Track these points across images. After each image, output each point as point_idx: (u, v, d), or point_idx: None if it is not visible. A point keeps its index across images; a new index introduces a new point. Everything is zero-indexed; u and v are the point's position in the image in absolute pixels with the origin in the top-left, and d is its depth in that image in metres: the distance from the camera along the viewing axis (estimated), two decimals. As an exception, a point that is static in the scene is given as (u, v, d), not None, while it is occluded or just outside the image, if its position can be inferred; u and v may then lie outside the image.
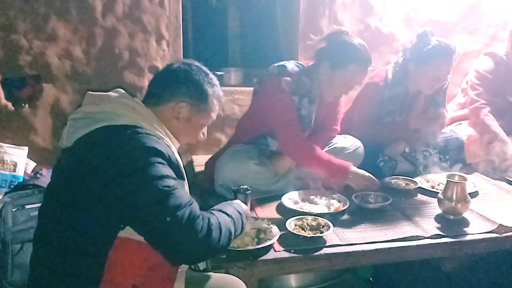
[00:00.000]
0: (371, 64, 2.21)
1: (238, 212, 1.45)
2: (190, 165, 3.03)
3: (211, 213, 1.33)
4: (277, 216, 2.01)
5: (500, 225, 1.90)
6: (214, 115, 1.56)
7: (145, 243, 1.24)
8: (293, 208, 2.04)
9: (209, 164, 2.42)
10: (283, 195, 2.16)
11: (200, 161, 2.86)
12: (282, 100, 2.22)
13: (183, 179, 1.36)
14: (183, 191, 1.27)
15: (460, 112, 2.99)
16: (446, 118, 2.80)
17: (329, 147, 2.41)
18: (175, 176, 1.28)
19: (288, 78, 2.19)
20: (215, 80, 1.53)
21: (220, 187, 2.20)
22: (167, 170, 1.24)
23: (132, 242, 1.24)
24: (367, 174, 2.20)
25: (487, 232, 1.88)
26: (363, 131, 2.51)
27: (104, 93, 1.39)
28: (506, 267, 2.53)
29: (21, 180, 2.58)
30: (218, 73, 3.23)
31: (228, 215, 1.38)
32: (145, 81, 2.92)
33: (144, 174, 1.19)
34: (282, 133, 2.25)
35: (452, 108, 3.04)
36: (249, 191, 1.92)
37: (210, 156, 2.54)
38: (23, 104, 2.77)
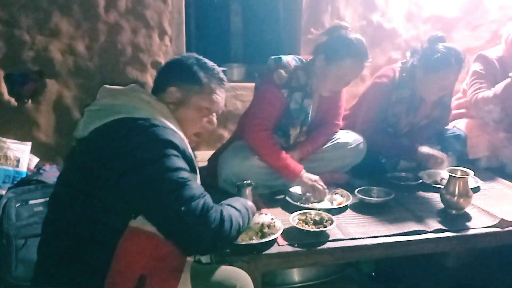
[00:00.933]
0: (367, 60, 2.18)
1: (245, 207, 1.49)
2: (192, 160, 3.04)
3: (221, 205, 1.36)
4: (281, 211, 2.03)
5: (502, 219, 1.91)
6: (217, 98, 1.54)
7: (154, 233, 1.26)
8: (296, 203, 2.06)
9: (212, 160, 2.43)
10: (286, 190, 2.18)
11: (203, 156, 2.86)
12: (267, 91, 2.24)
13: (196, 172, 1.38)
14: (196, 183, 1.30)
15: (458, 111, 2.97)
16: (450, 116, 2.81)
17: (331, 142, 2.42)
18: (189, 169, 1.30)
19: (282, 71, 2.20)
20: (210, 65, 1.53)
21: (224, 182, 2.21)
22: (181, 163, 1.27)
23: (142, 232, 1.25)
24: (312, 183, 2.14)
25: (489, 227, 1.90)
26: (367, 134, 2.48)
27: (121, 87, 1.43)
28: (508, 262, 2.55)
29: (24, 175, 2.58)
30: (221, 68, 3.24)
31: (236, 209, 1.41)
32: (148, 77, 2.93)
33: (160, 165, 1.22)
34: (249, 120, 2.27)
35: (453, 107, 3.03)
36: (253, 186, 1.94)
37: (213, 152, 2.56)
38: (26, 100, 2.78)
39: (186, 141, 1.40)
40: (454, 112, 2.97)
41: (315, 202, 2.11)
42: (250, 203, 1.58)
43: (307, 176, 2.16)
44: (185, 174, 1.25)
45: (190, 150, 1.38)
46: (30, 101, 2.78)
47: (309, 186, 2.14)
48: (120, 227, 1.24)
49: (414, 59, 2.46)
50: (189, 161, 1.33)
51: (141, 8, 2.83)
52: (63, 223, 1.31)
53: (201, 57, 1.54)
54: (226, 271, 1.54)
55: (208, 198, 1.28)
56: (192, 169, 1.34)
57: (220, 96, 1.55)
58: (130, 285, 1.26)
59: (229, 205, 1.42)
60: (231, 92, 3.11)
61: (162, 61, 2.93)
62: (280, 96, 2.22)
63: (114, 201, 1.24)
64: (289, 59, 2.25)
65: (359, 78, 2.99)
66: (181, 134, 1.40)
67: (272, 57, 2.27)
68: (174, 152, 1.26)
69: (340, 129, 2.52)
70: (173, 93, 1.45)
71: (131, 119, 1.29)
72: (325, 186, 2.15)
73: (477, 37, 3.45)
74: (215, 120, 1.59)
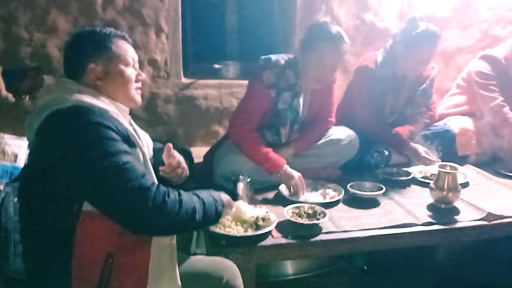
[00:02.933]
0: (343, 42, 2.20)
1: (213, 198, 1.46)
2: (188, 156, 3.08)
3: (177, 191, 1.34)
4: (275, 204, 2.07)
5: (489, 213, 1.97)
6: (129, 53, 1.51)
7: None
8: (289, 197, 2.11)
9: (208, 156, 2.48)
10: (280, 185, 2.22)
11: (198, 153, 2.89)
12: (254, 88, 2.30)
13: (135, 146, 1.38)
14: (136, 163, 1.29)
15: (458, 109, 2.99)
16: (435, 111, 2.86)
17: (325, 138, 2.46)
18: (126, 149, 1.30)
19: (270, 71, 2.25)
20: (106, 28, 1.51)
21: (220, 178, 2.25)
22: (116, 145, 1.27)
23: (96, 214, 1.27)
24: (296, 175, 2.16)
25: (477, 220, 1.95)
26: (370, 128, 2.57)
27: (53, 84, 1.44)
28: (495, 254, 2.62)
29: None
30: (217, 66, 3.28)
31: (198, 197, 1.40)
32: (145, 74, 2.95)
33: (94, 152, 1.23)
34: (233, 115, 2.34)
35: (449, 106, 3.06)
36: (248, 181, 1.99)
37: (208, 148, 2.60)
38: (23, 96, 2.80)
39: (120, 116, 1.40)
40: (450, 111, 3.02)
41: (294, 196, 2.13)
42: (224, 197, 1.54)
43: (290, 171, 2.18)
44: (121, 158, 1.25)
45: (125, 125, 1.38)
46: (27, 97, 2.80)
47: (290, 181, 2.16)
48: (72, 214, 1.26)
49: (395, 37, 2.59)
50: (125, 137, 1.34)
51: (138, 5, 2.86)
52: (26, 224, 1.38)
53: (91, 28, 1.50)
54: (214, 263, 1.57)
55: (147, 178, 1.27)
56: (130, 144, 1.35)
57: (132, 52, 1.53)
58: (99, 265, 1.28)
59: (193, 193, 1.41)
60: (226, 90, 3.15)
61: (159, 58, 2.97)
62: (267, 95, 2.26)
63: (59, 191, 1.26)
64: (279, 59, 2.29)
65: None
66: (114, 109, 1.40)
67: (262, 56, 2.31)
68: (107, 134, 1.26)
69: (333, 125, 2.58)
70: (95, 69, 1.42)
71: (60, 110, 1.29)
72: (304, 185, 2.17)
73: (468, 37, 3.50)
74: (141, 72, 1.56)
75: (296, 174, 2.17)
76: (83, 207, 1.27)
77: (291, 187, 2.16)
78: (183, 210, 1.29)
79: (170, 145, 1.57)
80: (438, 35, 2.49)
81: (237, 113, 2.32)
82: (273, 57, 2.29)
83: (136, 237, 1.32)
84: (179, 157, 1.62)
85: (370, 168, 2.51)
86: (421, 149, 2.51)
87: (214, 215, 1.44)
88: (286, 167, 2.20)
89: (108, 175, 1.22)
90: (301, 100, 2.34)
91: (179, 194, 1.32)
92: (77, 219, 1.27)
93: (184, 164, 1.65)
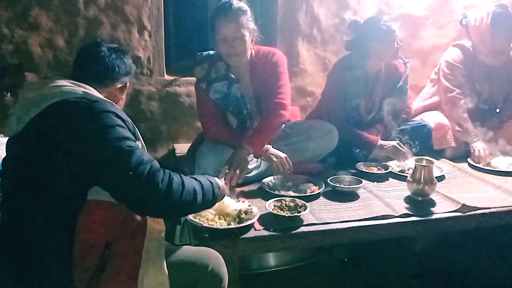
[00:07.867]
0: (227, 8, 2.23)
1: (210, 181, 1.52)
2: (172, 153, 3.10)
3: (179, 174, 1.40)
4: (257, 198, 2.11)
5: (464, 204, 2.04)
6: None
7: (112, 201, 1.32)
8: (271, 191, 2.15)
9: (191, 150, 2.53)
10: (262, 179, 2.26)
11: (182, 148, 2.95)
12: (196, 92, 2.46)
13: (139, 140, 1.45)
14: (143, 151, 1.35)
15: (430, 100, 3.09)
16: (411, 106, 2.94)
17: (304, 133, 2.49)
18: (133, 138, 1.37)
19: (199, 66, 2.36)
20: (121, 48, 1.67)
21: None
22: (126, 132, 1.33)
23: (101, 203, 1.31)
24: (282, 155, 2.28)
25: (452, 212, 2.02)
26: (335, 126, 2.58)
27: (45, 81, 1.46)
28: (469, 246, 2.71)
29: (1, 168, 2.59)
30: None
31: (197, 180, 1.46)
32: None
33: (107, 135, 1.28)
34: (200, 122, 2.50)
35: (422, 98, 3.16)
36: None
37: (190, 144, 2.64)
38: (4, 93, 2.78)
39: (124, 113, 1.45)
40: (425, 103, 3.11)
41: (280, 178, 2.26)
42: (220, 183, 1.61)
43: (274, 151, 2.27)
44: (131, 143, 1.31)
45: (130, 120, 1.43)
46: (9, 94, 2.78)
47: (274, 163, 2.25)
48: (77, 202, 1.29)
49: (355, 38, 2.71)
50: (131, 130, 1.39)
51: (120, 3, 2.86)
52: (19, 221, 1.33)
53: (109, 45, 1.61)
54: (199, 252, 1.60)
55: (155, 163, 1.33)
56: (136, 137, 1.41)
57: None
58: (97, 253, 1.31)
59: (192, 177, 1.47)
60: (209, 87, 3.18)
61: (142, 55, 2.98)
62: (201, 89, 2.37)
63: (65, 179, 1.28)
64: (209, 53, 2.40)
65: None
66: (118, 106, 1.45)
67: (198, 53, 2.42)
68: (117, 121, 1.32)
69: (314, 117, 2.64)
70: (127, 87, 1.63)
71: (67, 100, 1.32)
72: (290, 165, 2.26)
73: (444, 35, 3.59)
74: None
75: (283, 155, 2.25)
76: (88, 196, 1.30)
77: (276, 166, 2.25)
78: (186, 191, 1.36)
79: None
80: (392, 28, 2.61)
81: (200, 120, 2.47)
82: (205, 52, 2.40)
83: (134, 226, 1.37)
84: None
85: (349, 163, 2.57)
86: (393, 143, 2.60)
87: (212, 197, 1.52)
88: (268, 147, 2.27)
89: (122, 155, 1.27)
90: (239, 85, 2.38)
91: (181, 177, 1.38)
92: (81, 208, 1.29)
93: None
